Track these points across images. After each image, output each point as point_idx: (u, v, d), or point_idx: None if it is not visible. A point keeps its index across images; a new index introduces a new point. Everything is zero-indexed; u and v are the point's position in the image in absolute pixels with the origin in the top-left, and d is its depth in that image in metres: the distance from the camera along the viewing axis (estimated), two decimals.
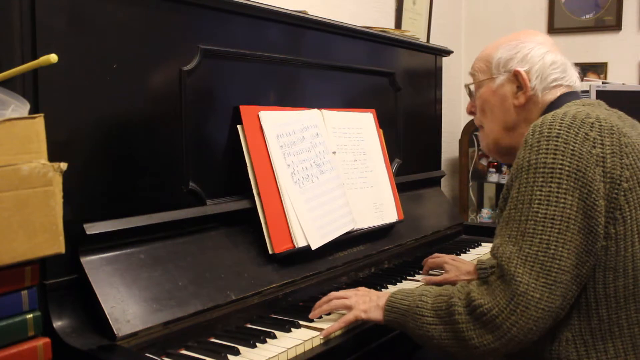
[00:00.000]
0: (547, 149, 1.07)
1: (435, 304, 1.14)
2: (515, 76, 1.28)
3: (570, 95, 1.27)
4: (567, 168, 1.05)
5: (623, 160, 1.07)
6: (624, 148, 1.08)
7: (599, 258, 1.07)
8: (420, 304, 1.16)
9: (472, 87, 1.39)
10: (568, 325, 1.10)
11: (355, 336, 1.29)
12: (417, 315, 1.16)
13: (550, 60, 1.27)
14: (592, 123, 1.08)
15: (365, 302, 1.28)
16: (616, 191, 1.05)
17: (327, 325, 1.27)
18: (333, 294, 1.35)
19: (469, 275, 1.63)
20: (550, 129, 1.08)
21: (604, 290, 1.08)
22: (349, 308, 1.29)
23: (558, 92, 1.27)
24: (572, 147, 1.05)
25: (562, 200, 1.04)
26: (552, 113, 1.13)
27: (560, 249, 1.04)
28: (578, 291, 1.08)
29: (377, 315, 1.25)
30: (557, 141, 1.06)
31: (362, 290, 1.34)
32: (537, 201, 1.06)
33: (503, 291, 1.05)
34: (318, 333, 1.24)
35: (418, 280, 1.67)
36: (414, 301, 1.18)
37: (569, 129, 1.07)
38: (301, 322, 1.29)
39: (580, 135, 1.07)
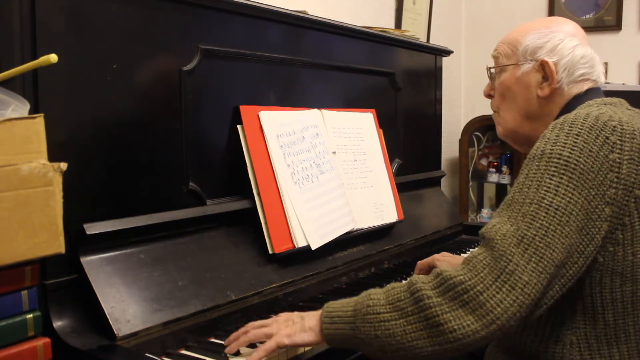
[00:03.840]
0: (565, 143, 1.04)
1: (392, 297, 1.01)
2: (542, 66, 1.23)
3: (593, 92, 1.23)
4: (581, 166, 1.02)
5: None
6: None
7: (606, 263, 1.05)
8: (370, 302, 1.02)
9: (494, 71, 1.33)
10: (573, 329, 1.08)
11: None
12: (369, 315, 1.01)
13: (580, 55, 1.23)
14: (614, 126, 1.06)
15: (288, 326, 1.11)
16: (627, 198, 1.03)
17: None
18: (251, 324, 1.17)
19: None
20: (572, 127, 1.06)
21: (610, 295, 1.06)
22: (269, 336, 1.11)
23: (584, 87, 1.23)
24: (590, 148, 1.03)
25: (570, 195, 1.01)
26: (574, 113, 1.11)
27: (556, 239, 0.98)
28: (558, 293, 1.01)
29: (306, 337, 1.09)
30: (576, 139, 1.04)
31: (283, 315, 1.16)
32: (545, 188, 1.02)
33: (489, 267, 0.96)
34: None
35: None
36: (360, 304, 1.04)
37: (590, 130, 1.05)
38: None
39: (600, 138, 1.04)
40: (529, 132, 1.29)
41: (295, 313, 1.16)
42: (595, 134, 1.04)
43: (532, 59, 1.24)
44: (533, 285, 0.95)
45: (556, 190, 1.01)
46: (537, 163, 1.05)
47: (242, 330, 1.16)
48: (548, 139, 1.07)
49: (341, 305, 1.07)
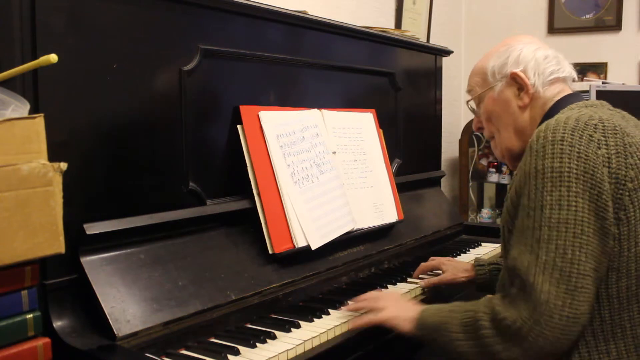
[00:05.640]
0: (553, 153, 1.06)
1: (464, 320, 1.13)
2: (514, 79, 1.29)
3: (572, 97, 1.27)
4: (574, 170, 1.04)
5: (627, 160, 1.06)
6: (628, 148, 1.07)
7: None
8: (449, 320, 1.15)
9: (473, 103, 1.40)
10: None
11: (355, 336, 1.29)
12: (446, 332, 1.14)
13: (543, 55, 1.29)
14: (596, 124, 1.08)
15: (397, 309, 1.28)
16: (621, 191, 1.05)
17: (328, 326, 1.28)
18: (369, 297, 1.39)
19: (466, 273, 1.63)
20: (555, 133, 1.07)
21: (606, 291, 1.07)
22: (380, 309, 1.30)
23: (557, 88, 1.28)
24: (577, 149, 1.05)
25: (574, 203, 1.03)
26: (554, 118, 1.13)
27: (577, 252, 1.02)
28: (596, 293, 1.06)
29: (404, 326, 1.23)
30: (562, 144, 1.05)
31: (395, 295, 1.42)
32: (548, 206, 1.05)
33: (525, 302, 1.03)
34: (318, 333, 1.24)
35: (416, 282, 1.66)
36: (443, 317, 1.17)
37: (573, 131, 1.06)
38: (301, 322, 1.29)
39: (584, 137, 1.06)
40: (521, 146, 1.31)
41: (403, 302, 1.34)
42: (579, 134, 1.06)
43: (502, 76, 1.31)
44: (569, 305, 1.01)
45: (559, 205, 1.04)
46: (533, 182, 1.08)
47: (361, 297, 1.38)
48: (537, 152, 1.08)
49: (432, 313, 1.20)
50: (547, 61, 1.28)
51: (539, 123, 1.26)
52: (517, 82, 1.28)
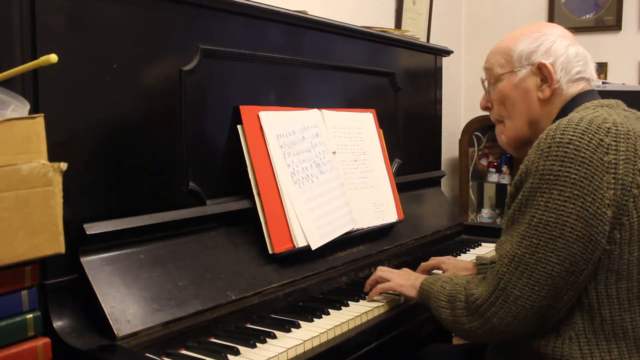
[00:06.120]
0: (556, 155, 1.06)
1: (451, 291, 1.23)
2: (540, 69, 1.24)
3: (589, 94, 1.25)
4: (573, 176, 1.04)
5: (636, 166, 1.06)
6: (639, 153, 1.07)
7: (601, 261, 1.07)
8: (440, 289, 1.26)
9: (489, 82, 1.35)
10: (571, 324, 1.11)
11: (355, 336, 1.29)
12: (436, 298, 1.26)
13: (574, 53, 1.25)
14: (609, 128, 1.07)
15: (403, 279, 1.43)
16: (626, 198, 1.05)
17: (328, 326, 1.28)
18: (378, 271, 1.50)
19: (467, 272, 1.63)
20: (563, 134, 1.07)
21: (605, 291, 1.08)
22: (388, 280, 1.45)
23: (580, 86, 1.25)
24: (582, 155, 1.05)
25: (562, 208, 1.05)
26: (568, 117, 1.12)
27: (549, 254, 1.06)
28: (577, 294, 1.09)
29: (410, 292, 1.39)
30: (567, 148, 1.05)
31: (404, 270, 1.50)
32: (536, 206, 1.08)
33: (489, 284, 1.14)
34: (318, 333, 1.24)
35: None
36: (437, 286, 1.28)
37: (582, 135, 1.06)
38: (301, 322, 1.29)
39: (594, 141, 1.05)
40: (529, 136, 1.30)
41: (412, 273, 1.49)
42: (588, 138, 1.06)
43: (528, 63, 1.26)
44: (526, 298, 1.08)
45: (547, 207, 1.07)
46: (531, 180, 1.10)
47: (372, 277, 1.51)
48: (542, 151, 1.09)
49: (431, 282, 1.33)
50: (576, 60, 1.25)
51: (554, 118, 1.24)
52: (542, 73, 1.25)
